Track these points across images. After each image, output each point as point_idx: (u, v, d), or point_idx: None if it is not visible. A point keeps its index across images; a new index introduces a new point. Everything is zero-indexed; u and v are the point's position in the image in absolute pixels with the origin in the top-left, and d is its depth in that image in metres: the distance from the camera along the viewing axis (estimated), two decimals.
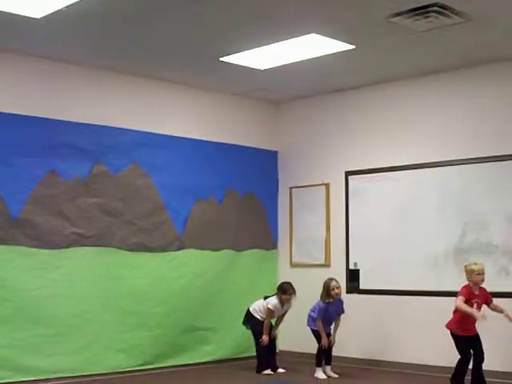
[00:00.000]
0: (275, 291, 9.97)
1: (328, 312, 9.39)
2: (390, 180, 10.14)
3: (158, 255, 10.00)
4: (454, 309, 8.17)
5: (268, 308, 9.78)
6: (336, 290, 9.33)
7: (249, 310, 9.96)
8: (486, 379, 8.22)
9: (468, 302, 8.04)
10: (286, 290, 9.80)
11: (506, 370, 8.79)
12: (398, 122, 10.18)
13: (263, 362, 9.74)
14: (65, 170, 9.21)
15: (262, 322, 9.81)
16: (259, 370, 9.70)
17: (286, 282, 9.93)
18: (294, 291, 9.77)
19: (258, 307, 9.90)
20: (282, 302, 9.78)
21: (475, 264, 8.21)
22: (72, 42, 8.57)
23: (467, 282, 8.15)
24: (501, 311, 8.11)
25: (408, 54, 9.02)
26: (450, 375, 8.20)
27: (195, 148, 10.47)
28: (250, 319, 9.93)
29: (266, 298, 9.96)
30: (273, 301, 9.81)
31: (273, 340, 9.97)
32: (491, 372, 8.45)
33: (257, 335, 9.81)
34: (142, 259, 9.84)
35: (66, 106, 9.28)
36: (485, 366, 8.20)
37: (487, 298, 8.18)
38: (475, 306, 8.04)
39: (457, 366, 8.15)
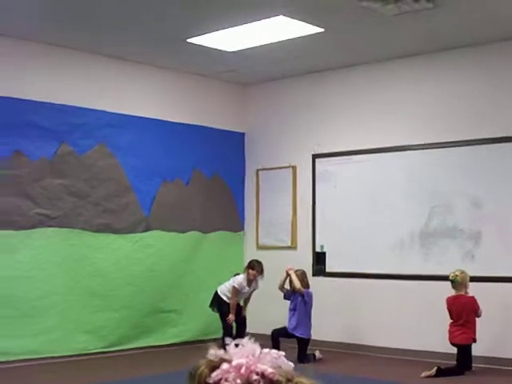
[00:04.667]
0: (241, 273, 9.98)
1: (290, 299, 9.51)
2: (357, 163, 10.17)
3: (123, 236, 9.95)
4: (470, 319, 8.42)
5: (233, 287, 9.76)
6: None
7: (216, 291, 9.94)
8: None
9: None
10: (253, 266, 9.82)
11: (490, 355, 8.86)
12: (365, 105, 10.19)
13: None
14: (30, 150, 9.11)
15: (229, 304, 9.81)
16: None
17: (255, 260, 9.98)
18: (261, 270, 9.78)
19: (225, 287, 9.88)
20: (248, 279, 9.77)
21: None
22: (34, 20, 8.43)
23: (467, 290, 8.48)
24: None
25: (377, 38, 9.03)
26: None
27: (162, 129, 10.41)
28: (216, 301, 9.91)
29: (235, 275, 9.97)
30: (238, 278, 9.82)
31: (242, 322, 9.97)
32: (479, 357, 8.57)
33: (223, 317, 9.80)
34: (107, 240, 9.79)
35: (30, 85, 9.14)
36: (452, 349, 8.37)
37: None
38: None
39: (455, 369, 8.35)
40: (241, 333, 9.89)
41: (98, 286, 9.64)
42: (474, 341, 8.38)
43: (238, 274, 9.97)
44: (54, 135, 9.31)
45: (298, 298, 9.34)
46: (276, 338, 9.25)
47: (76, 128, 9.50)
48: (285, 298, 9.52)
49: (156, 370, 8.71)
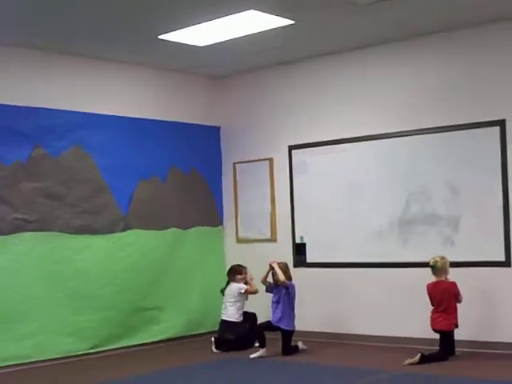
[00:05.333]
0: (222, 267, 10.02)
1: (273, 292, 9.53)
2: (334, 153, 10.17)
3: (103, 237, 9.90)
4: (451, 304, 8.43)
5: (246, 290, 9.82)
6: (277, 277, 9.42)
7: (223, 319, 9.90)
8: (436, 347, 8.44)
9: None
10: (239, 271, 9.94)
11: (472, 340, 8.92)
12: (340, 94, 10.19)
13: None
14: (3, 154, 9.00)
15: (242, 324, 9.79)
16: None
17: (233, 266, 10.07)
18: (244, 267, 9.94)
19: (231, 312, 9.83)
20: (245, 283, 9.90)
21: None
22: (3, 21, 8.31)
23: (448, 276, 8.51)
24: None
25: (349, 28, 9.02)
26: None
27: (137, 127, 10.34)
28: (229, 328, 9.81)
29: (222, 291, 9.98)
30: (236, 286, 9.86)
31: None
32: (437, 340, 8.59)
33: (240, 338, 9.70)
34: (87, 241, 9.73)
35: (1, 89, 9.03)
36: (434, 335, 8.44)
37: None
38: None
39: (438, 356, 8.35)
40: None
41: (80, 287, 9.59)
42: (456, 326, 8.43)
43: (223, 289, 9.96)
44: (28, 138, 9.22)
45: (282, 290, 9.34)
46: (261, 333, 9.26)
47: (49, 130, 9.41)
48: (267, 290, 9.52)
49: (142, 369, 8.67)
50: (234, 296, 9.84)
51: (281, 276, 9.27)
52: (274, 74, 10.86)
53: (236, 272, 9.98)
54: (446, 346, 8.37)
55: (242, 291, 9.83)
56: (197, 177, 11.10)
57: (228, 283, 9.99)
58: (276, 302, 9.37)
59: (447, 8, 8.36)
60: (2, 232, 8.93)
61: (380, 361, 8.63)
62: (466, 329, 8.64)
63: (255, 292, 9.86)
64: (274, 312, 9.37)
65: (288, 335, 9.33)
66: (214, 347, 9.64)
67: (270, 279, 9.50)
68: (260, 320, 9.70)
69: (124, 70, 10.35)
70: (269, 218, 10.88)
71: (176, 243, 10.72)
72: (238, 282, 9.90)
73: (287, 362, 8.91)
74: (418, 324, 8.89)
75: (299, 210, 10.55)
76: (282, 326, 9.29)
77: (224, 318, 9.88)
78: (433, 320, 8.45)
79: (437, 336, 8.47)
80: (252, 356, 9.09)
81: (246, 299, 9.97)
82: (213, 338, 9.75)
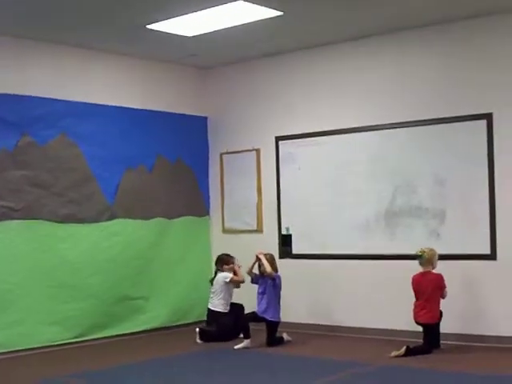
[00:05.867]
0: (208, 257, 10.03)
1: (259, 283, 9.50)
2: (321, 144, 10.18)
3: (88, 226, 9.89)
4: (435, 297, 8.45)
5: (231, 280, 9.83)
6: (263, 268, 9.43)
7: (209, 309, 9.93)
8: (411, 339, 8.48)
9: None
10: (227, 261, 9.98)
11: (457, 332, 8.96)
12: (327, 86, 10.20)
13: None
14: None
15: (228, 315, 9.81)
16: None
17: (221, 255, 10.08)
18: (232, 257, 9.98)
19: (217, 301, 9.86)
20: (233, 272, 9.94)
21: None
22: None
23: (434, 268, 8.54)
24: None
25: (337, 20, 9.03)
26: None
27: (124, 116, 10.32)
28: (214, 318, 9.87)
29: (211, 281, 9.99)
30: (222, 275, 9.88)
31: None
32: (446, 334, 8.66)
33: (224, 328, 9.73)
34: (72, 230, 9.72)
35: None
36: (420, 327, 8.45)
37: None
38: None
39: (423, 348, 8.36)
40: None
41: (65, 276, 9.57)
42: (439, 319, 8.47)
43: (212, 279, 9.99)
44: (15, 126, 9.20)
45: (268, 281, 9.34)
46: (245, 324, 9.26)
47: (37, 119, 9.39)
48: (252, 282, 9.53)
49: (126, 359, 8.70)
50: (219, 286, 9.85)
51: (267, 267, 9.28)
52: (262, 65, 10.86)
53: (223, 262, 10.00)
54: (430, 339, 8.40)
55: (227, 280, 9.84)
56: (183, 167, 11.10)
57: (216, 273, 10.01)
58: (261, 293, 9.38)
59: (435, 1, 8.37)
60: None
61: (365, 353, 8.67)
62: (451, 322, 8.69)
63: (241, 281, 9.87)
64: (259, 303, 9.38)
65: (273, 326, 9.34)
66: (198, 338, 9.65)
67: (256, 270, 9.51)
68: (247, 311, 9.71)
69: (112, 59, 10.31)
70: (255, 208, 10.88)
71: (162, 233, 10.72)
72: (225, 272, 9.92)
73: (270, 353, 8.93)
74: (404, 316, 8.89)
75: (285, 202, 10.56)
76: (268, 317, 9.31)
77: (210, 307, 9.91)
78: (416, 313, 8.47)
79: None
80: (236, 347, 9.10)
81: (238, 287, 9.97)
82: (197, 329, 9.76)
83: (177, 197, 10.96)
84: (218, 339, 9.55)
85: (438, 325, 8.50)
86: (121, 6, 8.27)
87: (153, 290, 10.55)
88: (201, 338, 9.66)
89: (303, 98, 10.42)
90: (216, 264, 10.11)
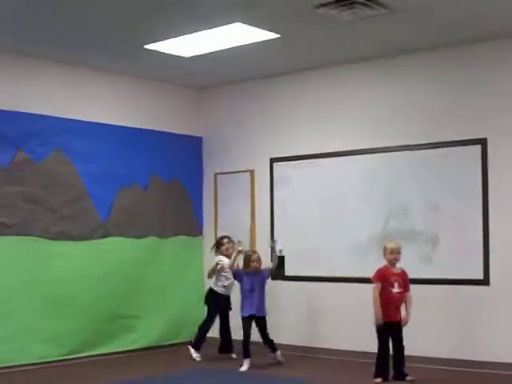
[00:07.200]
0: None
1: (244, 280, 9.32)
2: (315, 167, 10.21)
3: (81, 243, 9.88)
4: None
5: (216, 262, 9.82)
6: (255, 264, 9.31)
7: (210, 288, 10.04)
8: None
9: (387, 281, 8.07)
10: (220, 242, 9.98)
11: (452, 357, 8.92)
12: (322, 109, 10.24)
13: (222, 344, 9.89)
14: None
15: (219, 295, 9.84)
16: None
17: (219, 237, 10.25)
18: (228, 238, 9.98)
19: (212, 282, 9.94)
20: (226, 255, 9.84)
21: (390, 242, 8.29)
22: None
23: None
24: (405, 308, 8.11)
25: (333, 44, 9.09)
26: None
27: (119, 134, 10.35)
28: (208, 295, 9.99)
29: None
30: (217, 258, 9.91)
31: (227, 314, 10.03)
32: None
33: (210, 306, 9.90)
34: (65, 247, 9.71)
35: None
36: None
37: (406, 284, 8.17)
38: (396, 284, 8.05)
39: (377, 354, 8.16)
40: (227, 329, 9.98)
41: (56, 293, 9.55)
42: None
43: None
44: (10, 142, 9.21)
45: (254, 278, 9.28)
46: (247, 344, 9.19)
47: (32, 135, 9.41)
48: (235, 278, 9.47)
49: (118, 377, 8.67)
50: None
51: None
52: (258, 87, 10.90)
53: (218, 243, 10.05)
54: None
55: (216, 260, 9.90)
56: (177, 186, 11.11)
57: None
58: (250, 291, 9.25)
59: (429, 27, 8.44)
60: None
61: (349, 376, 8.63)
62: (444, 347, 8.68)
63: (214, 269, 9.84)
64: (250, 302, 9.22)
65: (265, 322, 9.33)
66: (194, 354, 9.70)
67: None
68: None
69: (109, 78, 10.35)
70: (248, 229, 10.89)
71: (155, 252, 10.72)
72: (222, 253, 9.88)
73: (265, 375, 8.93)
74: None
75: (279, 223, 10.57)
76: (265, 315, 9.29)
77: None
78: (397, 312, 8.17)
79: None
80: (243, 369, 9.02)
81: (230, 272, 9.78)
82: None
83: (170, 216, 10.97)
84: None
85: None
86: (119, 26, 8.31)
87: (145, 308, 10.52)
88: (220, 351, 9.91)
89: (298, 120, 10.46)
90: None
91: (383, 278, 8.10)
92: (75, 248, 9.82)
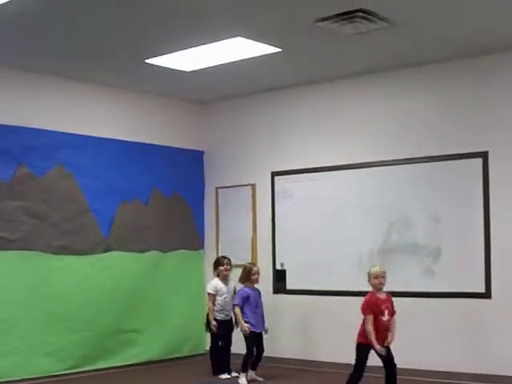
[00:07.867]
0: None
1: (251, 298, 9.27)
2: (317, 181, 10.22)
3: (83, 258, 9.89)
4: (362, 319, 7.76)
5: (208, 293, 9.73)
6: (256, 276, 9.35)
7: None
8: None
9: (378, 310, 7.61)
10: (219, 261, 9.87)
11: (453, 371, 8.90)
12: (323, 123, 10.26)
13: (219, 365, 9.68)
14: None
15: (220, 321, 9.69)
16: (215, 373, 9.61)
17: (219, 256, 10.15)
18: (228, 259, 9.85)
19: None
20: (223, 277, 9.76)
21: (374, 266, 7.87)
22: None
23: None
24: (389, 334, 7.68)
25: (334, 57, 9.11)
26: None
27: (121, 149, 10.37)
28: (208, 322, 9.85)
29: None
30: (210, 283, 9.81)
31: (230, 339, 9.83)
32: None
33: (212, 337, 9.78)
34: (67, 262, 9.71)
35: None
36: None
37: (393, 308, 7.76)
38: (386, 312, 7.63)
39: (350, 377, 7.80)
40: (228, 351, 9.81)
41: (59, 307, 9.55)
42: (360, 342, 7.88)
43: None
44: (12, 157, 9.23)
45: (257, 294, 9.35)
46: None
47: (34, 150, 9.43)
48: (246, 301, 9.35)
49: None
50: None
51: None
52: (259, 101, 10.92)
53: (217, 262, 9.94)
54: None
55: (208, 291, 9.80)
56: (179, 200, 11.12)
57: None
58: (255, 307, 9.28)
59: (430, 41, 8.47)
60: None
61: None
62: (445, 360, 8.66)
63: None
64: (258, 319, 9.28)
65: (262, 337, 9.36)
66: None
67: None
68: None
69: (110, 92, 10.37)
70: (250, 243, 10.89)
71: (156, 266, 10.71)
72: (219, 273, 9.79)
73: None
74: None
75: (280, 237, 10.57)
76: (262, 329, 9.35)
77: None
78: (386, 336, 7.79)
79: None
80: (243, 382, 9.04)
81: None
82: None
83: (172, 230, 10.97)
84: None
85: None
86: (120, 41, 8.33)
87: (146, 323, 10.51)
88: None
89: (300, 134, 10.48)
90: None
91: (375, 309, 7.65)
92: (77, 262, 9.82)
